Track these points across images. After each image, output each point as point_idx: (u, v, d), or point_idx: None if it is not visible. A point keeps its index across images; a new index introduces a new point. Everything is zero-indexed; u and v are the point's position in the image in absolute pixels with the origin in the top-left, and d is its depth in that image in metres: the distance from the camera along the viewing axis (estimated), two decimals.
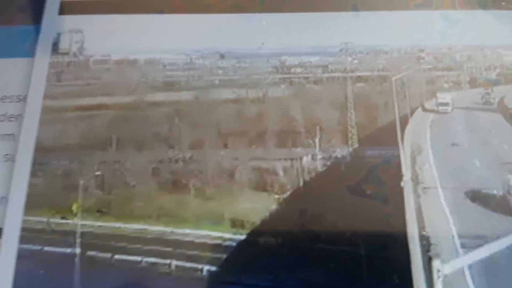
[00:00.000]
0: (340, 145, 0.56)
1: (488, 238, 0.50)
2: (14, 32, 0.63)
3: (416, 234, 0.51)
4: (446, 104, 0.59)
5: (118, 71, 0.61)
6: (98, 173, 0.55)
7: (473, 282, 0.48)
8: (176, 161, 0.56)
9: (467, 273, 0.49)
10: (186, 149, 0.57)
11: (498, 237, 0.50)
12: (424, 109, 0.59)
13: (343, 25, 0.62)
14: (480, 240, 0.50)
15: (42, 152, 0.55)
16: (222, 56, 0.61)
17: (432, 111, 0.59)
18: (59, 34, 0.62)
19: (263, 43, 0.61)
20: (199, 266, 0.51)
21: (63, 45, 0.62)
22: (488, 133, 0.58)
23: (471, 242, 0.50)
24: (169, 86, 0.61)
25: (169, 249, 0.52)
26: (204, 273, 0.50)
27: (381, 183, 0.54)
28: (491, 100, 0.60)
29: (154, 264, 0.51)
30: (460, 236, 0.51)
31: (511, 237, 0.50)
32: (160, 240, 0.52)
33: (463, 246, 0.50)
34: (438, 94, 0.59)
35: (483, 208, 0.52)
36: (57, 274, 0.51)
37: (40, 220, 0.53)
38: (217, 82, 0.61)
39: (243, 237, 0.52)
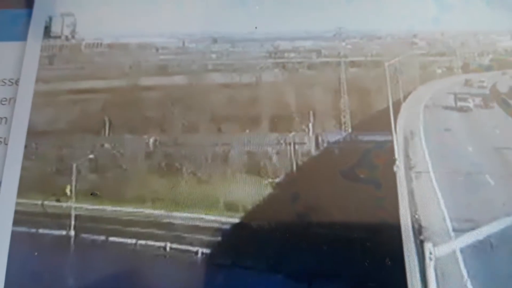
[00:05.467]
0: (333, 130, 0.56)
1: (480, 222, 0.51)
2: (6, 16, 0.62)
3: (408, 218, 0.51)
4: None
5: (110, 55, 0.61)
6: (91, 156, 0.55)
7: (465, 264, 0.49)
8: (169, 145, 0.56)
9: (459, 255, 0.49)
10: (179, 133, 0.57)
11: (489, 221, 0.51)
12: None
13: (337, 10, 0.62)
14: (471, 224, 0.51)
15: (34, 136, 0.55)
16: (215, 41, 0.61)
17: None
18: (50, 18, 0.62)
19: (256, 28, 0.61)
20: (194, 249, 0.51)
21: (55, 29, 0.62)
22: (480, 119, 0.58)
23: (462, 225, 0.51)
24: (162, 70, 0.60)
25: (164, 231, 0.52)
26: (199, 255, 0.51)
27: (374, 167, 0.54)
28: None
29: (149, 246, 0.52)
30: (451, 220, 0.51)
31: (502, 221, 0.51)
32: (155, 223, 0.52)
33: (454, 229, 0.51)
34: None
35: (475, 192, 0.53)
36: (51, 256, 0.51)
37: (35, 202, 0.53)
38: (210, 66, 0.60)
39: (237, 220, 0.52)
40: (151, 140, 0.56)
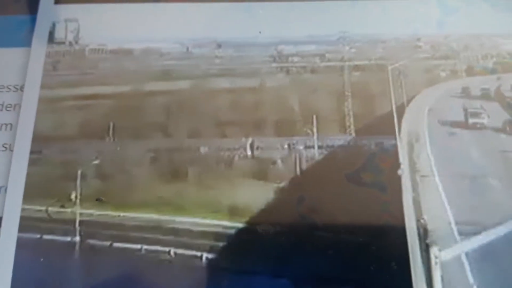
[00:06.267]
0: (337, 134, 0.56)
1: (486, 225, 0.50)
2: (10, 22, 0.62)
3: (413, 222, 0.51)
4: None
5: (115, 60, 0.61)
6: (96, 162, 0.55)
7: (471, 268, 0.49)
8: (174, 150, 0.56)
9: (464, 259, 0.49)
10: (184, 138, 0.57)
11: (495, 225, 0.50)
12: None
13: (341, 14, 0.62)
14: (477, 227, 0.50)
15: (40, 141, 0.55)
16: (219, 45, 0.61)
17: None
18: (54, 24, 0.62)
19: (260, 32, 0.61)
20: (198, 254, 0.51)
21: (59, 35, 0.62)
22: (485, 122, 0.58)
23: (468, 229, 0.50)
24: (166, 75, 0.60)
25: (168, 237, 0.52)
26: (204, 260, 0.51)
27: (379, 171, 0.54)
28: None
29: (153, 251, 0.51)
30: (457, 223, 0.51)
31: (508, 225, 0.50)
32: (159, 228, 0.52)
33: (460, 233, 0.50)
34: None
35: (481, 195, 0.53)
36: (57, 263, 0.51)
37: (39, 208, 0.53)
38: (214, 71, 0.61)
39: (241, 225, 0.52)
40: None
